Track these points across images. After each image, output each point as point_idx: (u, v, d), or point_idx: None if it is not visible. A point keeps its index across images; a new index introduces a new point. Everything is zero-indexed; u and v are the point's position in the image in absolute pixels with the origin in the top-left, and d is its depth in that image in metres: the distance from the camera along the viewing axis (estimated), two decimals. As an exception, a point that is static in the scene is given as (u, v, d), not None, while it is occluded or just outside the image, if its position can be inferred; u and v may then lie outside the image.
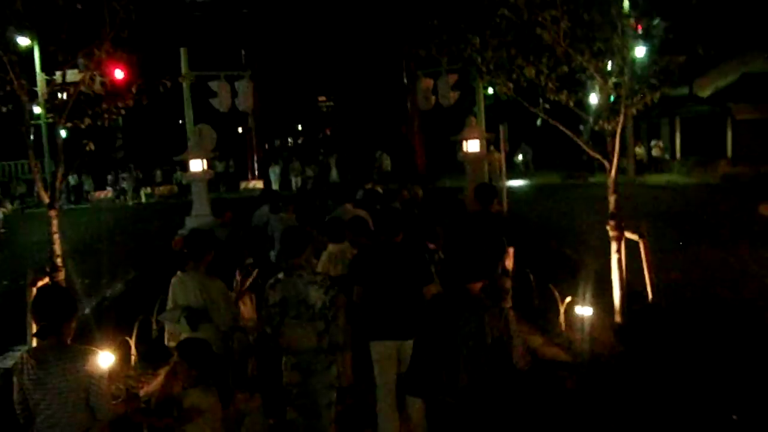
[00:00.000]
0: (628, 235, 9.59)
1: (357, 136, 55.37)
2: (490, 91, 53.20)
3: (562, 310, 10.17)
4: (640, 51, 9.32)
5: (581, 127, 49.45)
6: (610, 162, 9.58)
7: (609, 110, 9.43)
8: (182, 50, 20.25)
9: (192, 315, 6.68)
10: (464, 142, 19.31)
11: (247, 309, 8.09)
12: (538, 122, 56.54)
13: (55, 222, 8.43)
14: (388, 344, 6.77)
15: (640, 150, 37.43)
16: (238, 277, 8.23)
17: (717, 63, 36.03)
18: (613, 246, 9.64)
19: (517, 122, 31.43)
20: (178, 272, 6.90)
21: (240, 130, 44.98)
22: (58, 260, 8.44)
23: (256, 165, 41.66)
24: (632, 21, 8.82)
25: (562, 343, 9.74)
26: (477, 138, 19.12)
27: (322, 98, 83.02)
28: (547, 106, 10.12)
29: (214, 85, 21.51)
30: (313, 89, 68.10)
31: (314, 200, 15.49)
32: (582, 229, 18.58)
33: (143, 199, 40.03)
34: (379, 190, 16.57)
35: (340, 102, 73.17)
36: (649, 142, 42.82)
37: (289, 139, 78.18)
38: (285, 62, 44.98)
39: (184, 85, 20.07)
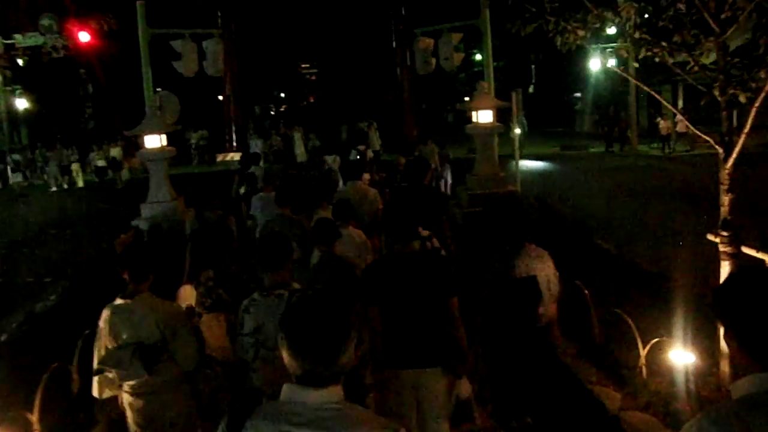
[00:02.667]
0: (746, 251, 6.58)
1: (342, 105, 53.08)
2: (478, 57, 51.71)
3: (643, 353, 7.23)
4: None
5: (578, 95, 46.87)
6: (728, 145, 6.63)
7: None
8: (138, 4, 17.24)
9: (147, 354, 5.23)
10: (474, 113, 16.42)
11: (213, 335, 6.50)
12: (531, 89, 54.46)
13: None
14: (407, 373, 5.50)
15: (665, 123, 34.62)
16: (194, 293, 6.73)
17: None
18: (725, 266, 6.65)
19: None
20: (118, 299, 5.37)
21: (220, 98, 41.86)
22: None
23: (234, 135, 38.62)
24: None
25: (655, 406, 6.77)
26: (489, 107, 16.22)
27: (305, 65, 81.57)
28: (637, 65, 7.29)
29: (177, 44, 18.54)
30: (296, 54, 66.01)
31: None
32: (626, 221, 15.73)
33: (80, 183, 33.91)
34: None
35: (325, 69, 71.76)
36: (649, 110, 40.97)
37: (272, 108, 75.84)
38: (264, 22, 42.32)
39: (141, 45, 17.18)
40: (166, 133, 15.74)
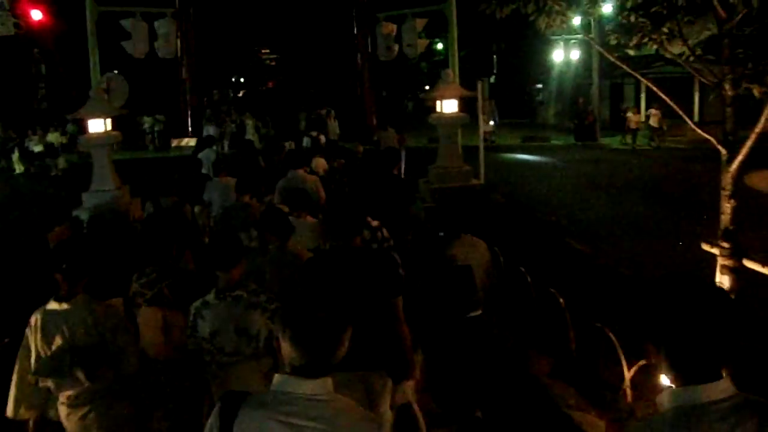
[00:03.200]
0: (750, 265, 5.88)
1: (301, 92, 52.32)
2: (440, 46, 51.07)
3: (628, 375, 6.51)
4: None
5: (540, 87, 46.22)
6: (733, 144, 5.94)
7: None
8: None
9: (87, 360, 4.83)
10: (438, 102, 15.65)
11: (148, 330, 5.88)
12: (492, 79, 53.90)
13: None
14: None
15: (634, 116, 33.94)
16: (135, 286, 6.09)
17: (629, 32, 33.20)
18: (724, 280, 5.96)
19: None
20: (51, 302, 4.91)
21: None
22: None
23: (190, 120, 37.58)
24: None
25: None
26: (454, 97, 15.47)
27: (265, 51, 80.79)
28: (632, 52, 6.66)
29: (127, 24, 17.58)
30: (255, 39, 65.16)
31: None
32: (599, 218, 15.05)
33: (18, 168, 31.70)
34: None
35: (284, 54, 71.15)
36: (612, 103, 40.40)
37: (230, 93, 74.84)
38: (223, 4, 41.38)
39: (89, 23, 16.26)
40: (112, 117, 14.77)
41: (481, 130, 17.66)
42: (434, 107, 16.13)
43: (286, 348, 2.71)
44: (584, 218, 15.48)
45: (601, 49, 6.81)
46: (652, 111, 32.93)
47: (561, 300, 7.90)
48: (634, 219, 15.03)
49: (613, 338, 6.86)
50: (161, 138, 38.79)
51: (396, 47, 19.86)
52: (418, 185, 16.70)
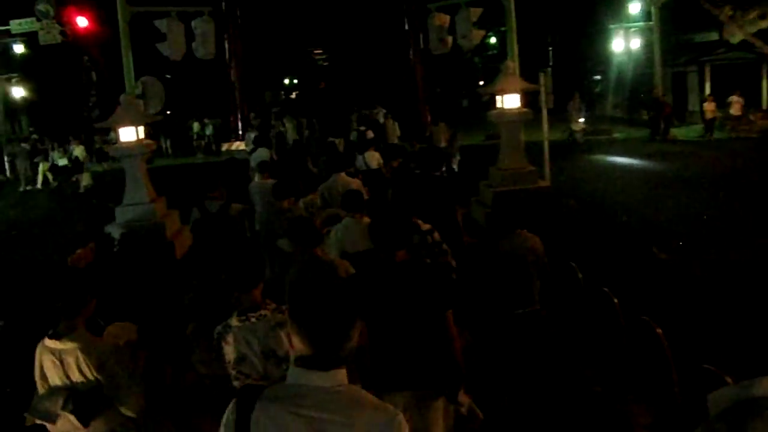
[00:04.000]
0: None
1: (353, 91, 51.61)
2: (493, 40, 49.92)
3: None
4: None
5: (598, 78, 44.56)
6: None
7: None
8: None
9: (81, 402, 4.44)
10: (499, 97, 14.36)
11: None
12: (548, 72, 52.47)
13: None
14: (399, 396, 4.89)
15: (710, 105, 31.98)
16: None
17: (750, 4, 31.27)
18: None
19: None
20: (47, 339, 4.54)
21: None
22: None
23: (240, 124, 36.95)
24: None
25: None
26: (516, 91, 14.15)
27: (318, 51, 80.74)
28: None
29: (162, 24, 16.66)
30: (307, 38, 64.80)
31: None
32: (687, 223, 13.67)
33: (50, 181, 30.58)
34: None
35: (335, 54, 71.03)
36: (675, 93, 38.47)
37: (282, 94, 74.77)
38: (271, 4, 40.78)
39: (121, 25, 15.45)
40: (144, 125, 13.82)
41: (545, 124, 16.27)
42: (494, 103, 14.87)
43: (295, 341, 2.73)
44: (667, 223, 14.07)
45: (730, 27, 5.49)
46: (734, 98, 31.12)
47: (658, 330, 6.50)
48: (731, 222, 13.59)
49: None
50: (211, 143, 38.50)
51: (450, 40, 18.67)
52: (478, 188, 15.47)
